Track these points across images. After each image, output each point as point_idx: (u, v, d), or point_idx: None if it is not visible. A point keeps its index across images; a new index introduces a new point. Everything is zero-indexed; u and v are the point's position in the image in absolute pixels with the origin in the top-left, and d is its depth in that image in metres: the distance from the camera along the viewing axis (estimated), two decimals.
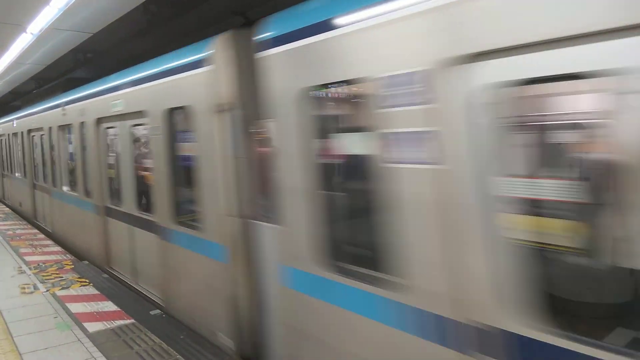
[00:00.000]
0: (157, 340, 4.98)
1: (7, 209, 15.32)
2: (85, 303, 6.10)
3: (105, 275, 7.39)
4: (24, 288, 6.67)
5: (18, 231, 11.15)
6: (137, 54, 10.06)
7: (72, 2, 6.09)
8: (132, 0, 7.05)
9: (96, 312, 5.77)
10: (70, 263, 8.11)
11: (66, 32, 7.48)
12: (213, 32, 4.82)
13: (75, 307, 5.92)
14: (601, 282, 3.80)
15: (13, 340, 4.92)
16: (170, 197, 5.64)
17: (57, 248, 9.32)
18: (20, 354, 4.61)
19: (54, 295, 6.39)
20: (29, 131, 13.13)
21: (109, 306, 5.99)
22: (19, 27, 7.24)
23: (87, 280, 7.06)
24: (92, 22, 7.28)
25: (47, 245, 9.56)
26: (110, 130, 7.60)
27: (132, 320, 5.50)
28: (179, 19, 8.72)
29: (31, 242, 9.81)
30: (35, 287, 6.71)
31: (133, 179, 6.81)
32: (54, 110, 10.27)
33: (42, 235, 10.64)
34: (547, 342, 2.20)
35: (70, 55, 10.75)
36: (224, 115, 4.44)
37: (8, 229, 11.32)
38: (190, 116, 4.91)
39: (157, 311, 5.87)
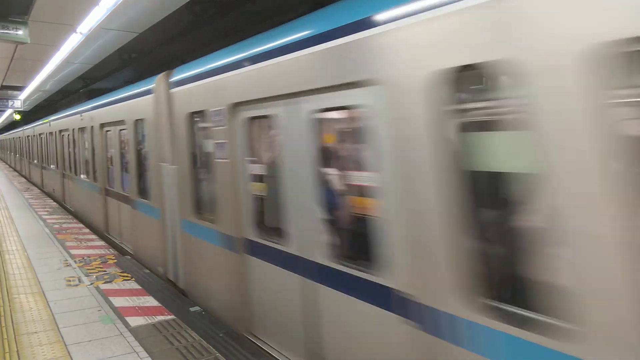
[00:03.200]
0: (197, 337, 5.00)
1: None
2: (127, 297, 6.20)
3: (147, 271, 7.52)
4: (69, 280, 6.85)
5: (64, 225, 11.53)
6: (178, 54, 10.29)
7: (120, 2, 6.24)
8: (176, 0, 7.18)
9: (138, 307, 5.85)
10: (114, 258, 8.30)
11: (113, 31, 7.68)
12: (254, 32, 5.02)
13: (118, 301, 6.03)
14: None
15: (59, 331, 5.05)
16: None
17: (101, 242, 9.57)
18: (65, 345, 4.71)
19: (97, 288, 6.54)
20: (102, 125, 10.29)
21: (150, 301, 6.07)
22: (69, 27, 7.48)
23: (129, 275, 7.20)
24: (138, 22, 7.45)
25: (91, 240, 9.83)
26: None
27: (173, 316, 5.55)
28: (221, 19, 8.82)
29: (76, 236, 10.11)
30: (80, 280, 6.88)
31: None
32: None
33: (87, 230, 10.96)
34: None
35: (116, 55, 11.07)
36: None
37: (55, 223, 11.71)
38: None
39: (197, 308, 5.92)
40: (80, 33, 7.79)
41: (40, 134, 19.50)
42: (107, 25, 7.35)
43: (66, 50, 9.11)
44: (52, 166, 17.24)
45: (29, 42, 6.99)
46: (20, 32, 6.85)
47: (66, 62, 10.58)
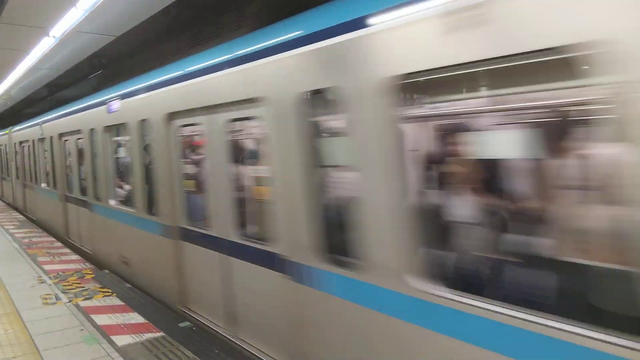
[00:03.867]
0: (191, 355, 4.72)
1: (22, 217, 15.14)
2: (110, 314, 5.85)
3: (128, 285, 7.15)
4: (45, 299, 6.43)
5: (34, 239, 10.96)
6: (157, 57, 9.93)
7: (100, 3, 5.92)
8: (155, 3, 6.89)
9: (123, 324, 5.51)
10: (91, 272, 7.88)
11: (89, 35, 7.32)
12: (235, 36, 5.05)
13: (101, 319, 5.67)
14: None
15: (40, 354, 4.67)
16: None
17: (76, 257, 9.11)
18: None
19: (77, 306, 6.15)
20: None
21: (136, 318, 5.74)
22: (41, 30, 7.08)
23: (109, 290, 6.82)
24: (116, 25, 7.11)
25: (65, 254, 9.35)
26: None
27: (162, 333, 5.24)
28: (198, 24, 8.56)
29: (48, 250, 9.60)
30: (57, 298, 6.47)
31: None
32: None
33: (59, 244, 10.43)
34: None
35: (86, 62, 10.62)
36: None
37: (24, 237, 11.12)
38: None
39: (187, 323, 5.62)
40: (53, 37, 7.39)
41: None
42: (83, 29, 6.98)
43: (36, 55, 8.65)
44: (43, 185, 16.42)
45: None
46: None
47: (35, 67, 10.07)
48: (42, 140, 12.78)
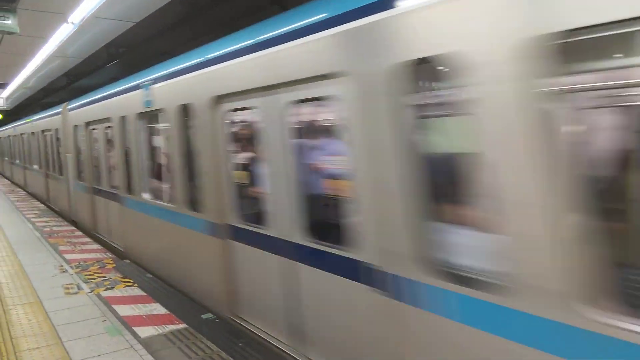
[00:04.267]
0: (215, 348, 4.59)
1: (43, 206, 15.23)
2: (132, 305, 5.76)
3: (149, 275, 7.07)
4: (67, 288, 6.38)
5: (55, 227, 10.98)
6: (169, 48, 9.80)
7: None
8: None
9: (145, 316, 5.42)
10: (112, 262, 7.83)
11: (108, 21, 7.19)
12: (251, 22, 4.75)
13: (123, 310, 5.59)
14: None
15: (63, 345, 4.60)
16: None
17: (97, 246, 9.08)
18: None
19: (99, 296, 6.08)
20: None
21: (158, 309, 5.64)
22: (60, 16, 6.97)
23: (131, 280, 6.75)
24: (135, 10, 6.97)
25: (85, 243, 9.33)
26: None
27: (184, 325, 5.13)
28: (217, 9, 8.39)
29: (69, 240, 9.59)
30: (79, 287, 6.41)
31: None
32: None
33: (79, 233, 10.43)
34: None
35: (104, 50, 10.53)
36: None
37: (45, 226, 11.16)
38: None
39: (209, 315, 5.51)
40: (72, 23, 7.28)
41: (22, 134, 18.51)
42: (102, 14, 6.86)
43: (55, 42, 8.57)
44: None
45: (18, 32, 6.47)
46: (9, 22, 6.33)
47: (54, 55, 10.01)
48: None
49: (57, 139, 12.49)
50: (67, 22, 7.29)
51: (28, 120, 16.40)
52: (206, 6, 8.17)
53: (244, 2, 8.50)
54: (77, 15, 6.96)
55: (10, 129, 22.11)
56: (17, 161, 21.33)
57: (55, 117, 12.07)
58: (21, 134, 18.44)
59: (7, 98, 19.14)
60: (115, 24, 7.44)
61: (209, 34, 7.28)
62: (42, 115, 13.93)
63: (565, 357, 2.17)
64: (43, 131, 14.15)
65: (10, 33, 6.49)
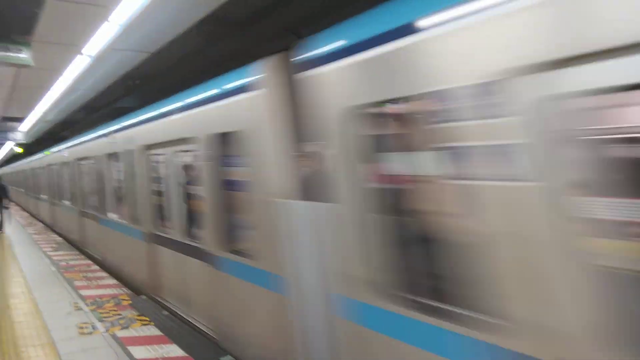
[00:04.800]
0: None
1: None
2: (148, 346, 5.45)
3: (166, 313, 6.77)
4: (82, 327, 6.11)
5: (71, 262, 10.79)
6: (184, 79, 9.71)
7: (133, 17, 5.66)
8: (187, 18, 6.63)
9: (161, 359, 5.11)
10: (127, 298, 7.56)
11: (123, 52, 7.10)
12: (265, 52, 4.55)
13: (139, 352, 5.28)
14: None
15: None
16: None
17: (112, 281, 8.83)
18: None
19: (114, 336, 5.79)
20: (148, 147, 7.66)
21: (175, 350, 5.32)
22: (74, 48, 6.90)
23: (147, 319, 6.45)
24: (150, 41, 6.87)
25: (101, 278, 9.09)
26: None
27: None
28: (232, 38, 8.28)
29: (85, 274, 9.37)
30: (94, 327, 6.14)
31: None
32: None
33: (96, 267, 10.21)
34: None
35: (120, 82, 10.49)
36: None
37: (61, 260, 10.98)
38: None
39: (229, 357, 5.17)
40: (88, 55, 7.21)
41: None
42: (117, 46, 6.76)
43: (71, 74, 8.53)
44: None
45: (32, 65, 6.39)
46: (23, 55, 6.27)
47: (70, 88, 9.99)
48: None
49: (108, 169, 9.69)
50: (82, 54, 7.22)
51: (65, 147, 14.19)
52: (221, 37, 8.06)
53: (259, 32, 8.38)
54: (92, 47, 6.88)
55: (35, 160, 21.02)
56: (44, 196, 18.61)
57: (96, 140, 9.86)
58: (49, 165, 17.25)
59: (27, 132, 19.33)
60: (131, 55, 7.35)
61: (222, 65, 7.15)
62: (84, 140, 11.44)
63: None
64: (79, 160, 12.40)
65: (25, 66, 6.42)
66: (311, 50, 3.61)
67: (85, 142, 11.74)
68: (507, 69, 2.21)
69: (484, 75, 2.30)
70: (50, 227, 17.45)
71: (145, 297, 7.63)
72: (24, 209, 27.53)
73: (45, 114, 14.51)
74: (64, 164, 14.69)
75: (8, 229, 16.64)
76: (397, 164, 3.28)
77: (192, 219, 6.29)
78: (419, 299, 2.91)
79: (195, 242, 6.02)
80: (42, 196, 19.98)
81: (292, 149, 4.04)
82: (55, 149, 16.76)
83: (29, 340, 5.69)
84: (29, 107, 13.47)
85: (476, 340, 2.46)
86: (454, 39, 2.47)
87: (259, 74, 4.34)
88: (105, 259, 10.36)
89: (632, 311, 2.09)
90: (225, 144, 5.07)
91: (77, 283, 8.59)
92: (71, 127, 18.94)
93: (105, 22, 5.85)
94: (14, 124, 17.46)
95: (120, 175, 9.00)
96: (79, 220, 12.73)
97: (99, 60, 7.54)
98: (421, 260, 2.99)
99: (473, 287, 2.49)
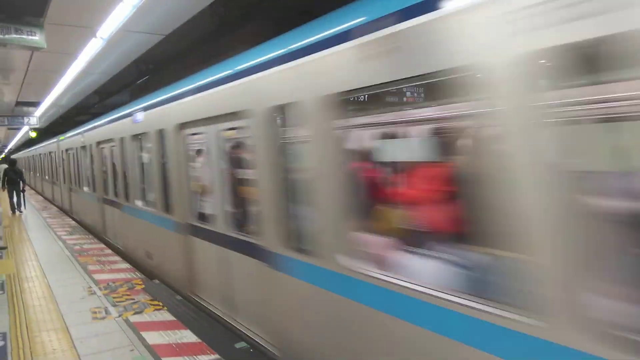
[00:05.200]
0: None
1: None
2: (162, 332, 5.41)
3: (179, 298, 6.74)
4: (95, 312, 6.09)
5: (85, 246, 10.83)
6: (197, 62, 9.59)
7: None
8: (199, 1, 6.49)
9: (175, 344, 5.06)
10: (141, 282, 7.54)
11: (137, 34, 7.00)
12: (281, 32, 4.55)
13: (152, 337, 5.24)
14: None
15: None
16: None
17: (126, 265, 8.83)
18: None
19: (127, 321, 5.76)
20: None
21: (188, 336, 5.28)
22: (88, 30, 6.80)
23: (160, 304, 6.42)
24: (164, 23, 6.76)
25: (115, 262, 9.10)
26: None
27: (217, 356, 4.75)
28: (246, 21, 8.13)
29: (99, 258, 9.38)
30: (107, 312, 6.12)
31: None
32: None
33: (109, 251, 10.24)
34: None
35: (133, 67, 10.42)
36: None
37: (75, 244, 11.03)
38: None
39: (243, 344, 5.11)
40: (101, 38, 7.11)
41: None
42: (131, 27, 6.65)
43: (85, 58, 8.45)
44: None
45: (45, 47, 6.32)
46: (36, 37, 6.18)
47: (85, 72, 9.94)
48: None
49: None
50: (96, 37, 7.12)
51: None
52: (235, 20, 7.91)
53: (273, 15, 8.23)
54: (106, 30, 6.78)
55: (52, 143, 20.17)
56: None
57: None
58: (67, 150, 16.34)
59: (41, 117, 19.41)
60: (145, 38, 7.24)
61: (237, 48, 7.02)
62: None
63: None
64: (99, 144, 11.54)
65: (38, 49, 6.34)
66: None
67: (106, 123, 10.79)
68: None
69: None
70: (68, 214, 17.20)
71: (158, 282, 7.61)
72: (39, 194, 27.79)
73: (59, 98, 14.52)
74: (82, 148, 13.83)
75: (24, 211, 16.81)
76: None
77: (241, 208, 5.42)
78: None
79: (247, 237, 5.13)
80: (58, 182, 19.81)
81: None
82: (72, 133, 16.14)
83: (42, 325, 5.68)
84: (44, 91, 13.48)
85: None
86: None
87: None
88: (127, 248, 9.85)
89: None
90: (290, 118, 4.19)
91: (91, 267, 8.60)
92: (85, 112, 18.98)
93: (120, 3, 5.73)
94: (29, 108, 17.54)
95: (148, 158, 8.20)
96: (100, 207, 12.01)
97: (112, 43, 7.45)
98: None
99: None
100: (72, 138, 15.69)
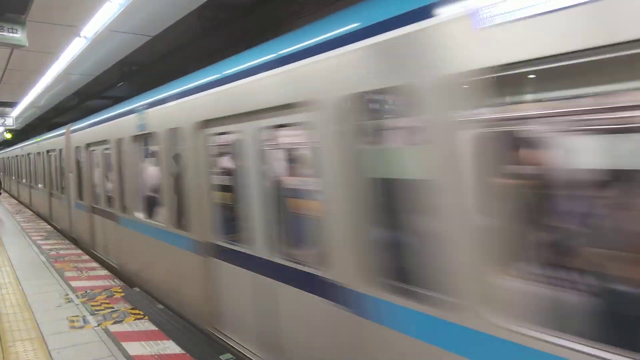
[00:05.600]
0: None
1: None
2: (143, 342, 5.21)
3: (161, 307, 6.52)
4: (73, 321, 5.85)
5: (61, 251, 10.49)
6: (181, 65, 9.45)
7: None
8: (187, 3, 6.36)
9: (157, 356, 4.86)
10: (120, 290, 7.29)
11: (122, 35, 6.82)
12: (270, 37, 4.42)
13: (133, 348, 5.04)
14: None
15: None
16: None
17: (104, 272, 8.56)
18: None
19: (106, 330, 5.54)
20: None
21: (171, 347, 5.09)
22: (72, 29, 6.59)
23: (141, 312, 6.21)
24: (151, 24, 6.60)
25: (93, 269, 8.81)
26: None
27: None
28: (235, 24, 8.03)
29: (76, 264, 9.08)
30: (85, 321, 5.88)
31: None
32: None
33: (87, 257, 9.92)
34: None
35: (117, 68, 10.19)
36: None
37: (51, 249, 10.67)
38: None
39: (229, 355, 4.95)
40: (85, 37, 6.92)
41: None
42: (117, 27, 6.48)
43: (67, 57, 8.21)
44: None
45: (27, 45, 6.09)
46: (17, 35, 5.96)
47: (66, 72, 9.67)
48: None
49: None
50: (80, 36, 6.92)
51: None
52: (224, 21, 7.80)
53: (262, 17, 8.14)
54: (90, 29, 6.59)
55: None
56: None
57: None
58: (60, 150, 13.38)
59: (17, 117, 18.89)
60: (131, 38, 7.06)
61: (224, 51, 6.90)
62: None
63: None
64: (89, 145, 10.38)
65: (18, 47, 6.11)
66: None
67: (102, 121, 9.25)
68: None
69: None
70: (47, 221, 16.02)
71: (138, 289, 7.38)
72: (14, 197, 27.05)
73: (38, 98, 14.14)
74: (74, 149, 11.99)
75: None
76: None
77: (292, 227, 4.27)
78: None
79: (303, 265, 3.98)
80: (38, 186, 18.00)
81: None
82: (53, 133, 14.87)
83: (16, 334, 5.43)
84: (21, 91, 13.10)
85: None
86: None
87: None
88: (124, 268, 8.53)
89: None
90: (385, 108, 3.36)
91: (68, 274, 8.31)
92: (64, 114, 18.54)
93: (107, 3, 5.56)
94: (5, 108, 17.05)
95: (155, 162, 7.28)
96: (88, 217, 10.67)
97: (96, 42, 7.25)
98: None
99: None
100: (54, 139, 14.35)
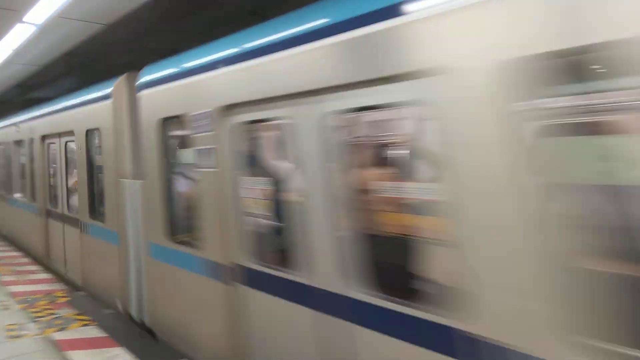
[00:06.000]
0: None
1: None
2: (90, 351, 4.85)
3: (110, 311, 6.13)
4: (10, 330, 5.38)
5: None
6: (146, 51, 9.02)
7: None
8: None
9: None
10: (64, 295, 6.81)
11: (74, 22, 6.36)
12: (227, 32, 4.29)
13: (79, 357, 4.69)
14: None
15: None
16: None
17: (46, 275, 8.00)
18: None
19: (48, 339, 5.12)
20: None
21: (122, 355, 4.76)
22: (14, 14, 6.08)
23: (88, 318, 5.80)
24: (107, 11, 6.20)
25: (33, 272, 8.22)
26: None
27: None
28: (191, 17, 7.76)
29: (13, 268, 8.45)
30: (24, 329, 5.42)
31: None
32: None
33: (25, 259, 9.26)
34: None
35: (64, 59, 9.61)
36: None
37: None
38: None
39: None
40: (30, 23, 6.42)
41: None
42: (67, 14, 6.04)
43: (9, 46, 7.62)
44: None
45: None
46: None
47: (7, 62, 9.01)
48: None
49: None
50: (22, 22, 6.41)
51: None
52: (182, 13, 7.49)
53: (222, 11, 7.90)
54: (35, 14, 6.11)
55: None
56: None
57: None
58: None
59: None
60: (82, 26, 6.62)
61: (181, 43, 6.61)
62: None
63: None
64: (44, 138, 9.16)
65: None
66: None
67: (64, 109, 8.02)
68: None
69: None
70: None
71: (84, 293, 6.91)
72: None
73: None
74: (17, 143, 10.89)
75: None
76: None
77: (382, 253, 3.07)
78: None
79: (407, 305, 2.72)
80: None
81: None
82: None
83: None
84: None
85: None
86: None
87: None
88: (91, 286, 7.00)
89: None
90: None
91: (5, 278, 7.71)
92: (2, 107, 17.40)
93: None
94: None
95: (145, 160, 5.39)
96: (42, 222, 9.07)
97: (42, 29, 6.75)
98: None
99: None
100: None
